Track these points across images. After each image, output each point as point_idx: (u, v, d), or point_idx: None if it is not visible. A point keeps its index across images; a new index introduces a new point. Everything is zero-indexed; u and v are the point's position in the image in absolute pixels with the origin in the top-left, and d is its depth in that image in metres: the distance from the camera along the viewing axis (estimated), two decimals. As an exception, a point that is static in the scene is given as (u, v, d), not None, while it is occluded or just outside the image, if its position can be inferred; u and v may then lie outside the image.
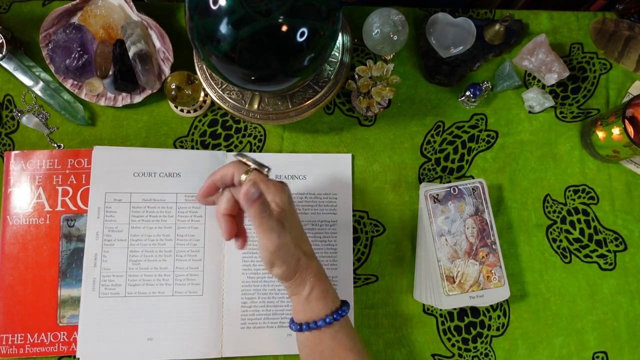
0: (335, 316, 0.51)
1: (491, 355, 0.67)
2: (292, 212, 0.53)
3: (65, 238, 0.65)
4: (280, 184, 0.52)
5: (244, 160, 0.52)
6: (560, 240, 0.70)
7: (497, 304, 0.68)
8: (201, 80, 0.65)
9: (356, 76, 0.68)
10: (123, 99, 0.68)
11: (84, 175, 0.67)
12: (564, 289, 0.69)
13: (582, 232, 0.71)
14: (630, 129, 0.68)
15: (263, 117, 0.65)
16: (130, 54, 0.65)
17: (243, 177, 0.50)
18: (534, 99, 0.71)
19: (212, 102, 0.70)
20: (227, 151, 0.69)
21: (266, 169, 0.52)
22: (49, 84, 0.69)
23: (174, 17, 0.72)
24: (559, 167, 0.72)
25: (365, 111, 0.70)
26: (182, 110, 0.70)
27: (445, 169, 0.71)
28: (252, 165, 0.51)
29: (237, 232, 0.53)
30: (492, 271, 0.63)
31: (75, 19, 0.68)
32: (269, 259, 0.49)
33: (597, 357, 0.67)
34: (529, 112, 0.73)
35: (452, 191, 0.65)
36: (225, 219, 0.52)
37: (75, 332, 0.63)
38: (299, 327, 0.52)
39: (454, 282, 0.62)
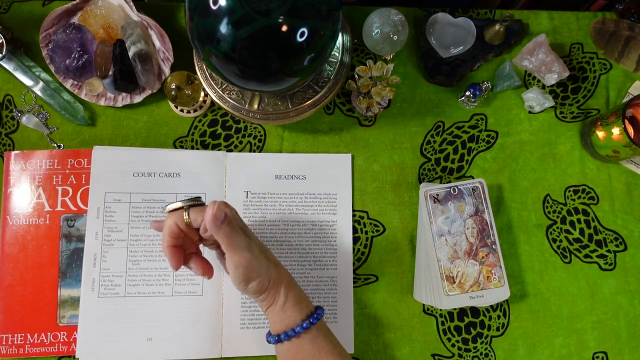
0: (311, 320, 0.51)
1: (491, 355, 0.67)
2: (246, 226, 0.53)
3: (65, 238, 0.65)
4: (222, 202, 0.49)
5: (174, 207, 0.50)
6: (560, 241, 0.70)
7: (497, 304, 0.68)
8: (201, 80, 0.65)
9: (356, 76, 0.68)
10: (123, 99, 0.68)
11: (83, 175, 0.67)
12: (564, 289, 0.69)
13: (582, 232, 0.71)
14: (630, 129, 0.68)
15: (263, 117, 0.65)
16: (130, 54, 0.65)
17: (185, 216, 0.49)
18: (534, 99, 0.71)
19: (212, 102, 0.70)
20: (228, 151, 0.69)
21: (199, 199, 0.51)
22: (49, 84, 0.69)
23: (174, 17, 0.72)
24: (559, 167, 0.72)
25: (365, 111, 0.70)
26: (182, 110, 0.70)
27: (445, 169, 0.71)
28: (185, 205, 0.50)
29: (202, 267, 0.53)
30: (492, 271, 0.63)
31: (75, 19, 0.68)
32: (244, 275, 0.49)
33: (597, 357, 0.67)
34: (529, 112, 0.73)
35: (452, 191, 0.65)
36: (171, 251, 0.50)
37: (75, 332, 0.63)
38: (277, 338, 0.52)
39: (454, 282, 0.62)
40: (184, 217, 0.50)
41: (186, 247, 0.53)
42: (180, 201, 0.51)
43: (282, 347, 0.52)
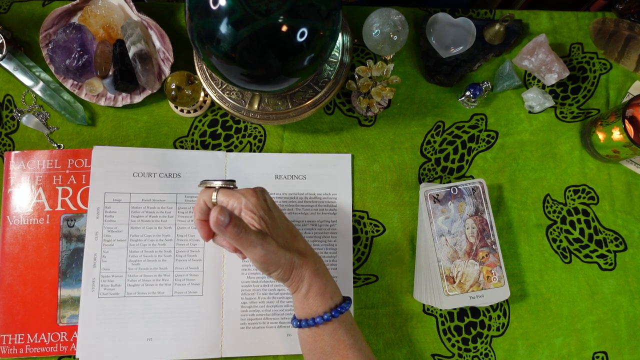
0: (333, 313, 0.52)
1: (491, 355, 0.67)
2: (271, 214, 0.53)
3: (65, 238, 0.65)
4: (250, 190, 0.52)
5: (208, 184, 0.53)
6: (560, 241, 0.70)
7: (497, 304, 0.68)
8: (201, 80, 0.65)
9: (356, 76, 0.68)
10: (123, 99, 0.68)
11: (84, 175, 0.67)
12: (564, 289, 0.69)
13: (582, 232, 0.71)
14: (630, 129, 0.68)
15: (263, 117, 0.65)
16: (130, 54, 0.65)
17: (213, 197, 0.51)
18: (534, 99, 0.71)
19: (212, 102, 0.70)
20: (228, 151, 0.69)
21: (231, 184, 0.53)
22: (49, 84, 0.69)
23: (174, 17, 0.72)
24: (559, 167, 0.72)
25: (365, 111, 0.70)
26: (182, 110, 0.70)
27: (445, 169, 0.71)
28: (217, 185, 0.52)
29: (233, 246, 0.54)
30: (492, 271, 0.63)
31: (75, 19, 0.68)
32: (262, 267, 0.50)
33: (597, 357, 0.67)
34: (529, 112, 0.73)
35: (452, 191, 0.65)
36: (201, 224, 0.53)
37: (75, 332, 0.63)
38: (298, 323, 0.53)
39: (454, 282, 0.62)
40: (212, 198, 0.51)
41: None
42: (214, 180, 0.53)
43: (302, 333, 0.53)
